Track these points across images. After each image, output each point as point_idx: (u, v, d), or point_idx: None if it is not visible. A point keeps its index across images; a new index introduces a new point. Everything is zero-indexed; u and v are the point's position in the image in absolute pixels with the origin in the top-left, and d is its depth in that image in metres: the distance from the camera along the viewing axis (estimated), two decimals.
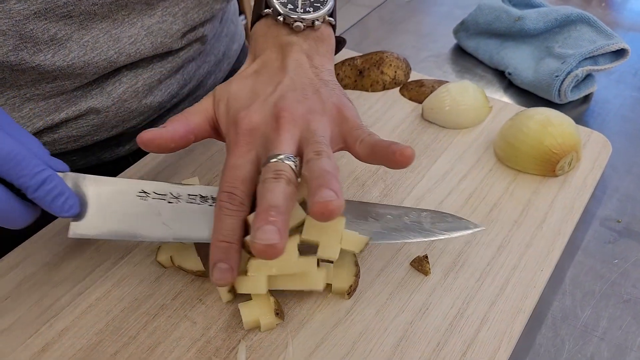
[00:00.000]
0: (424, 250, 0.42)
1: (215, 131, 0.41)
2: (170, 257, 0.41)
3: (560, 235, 0.42)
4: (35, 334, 0.38)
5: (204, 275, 0.40)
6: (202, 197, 0.39)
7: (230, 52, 0.65)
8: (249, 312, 0.36)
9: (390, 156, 0.33)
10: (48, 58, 0.43)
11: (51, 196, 0.35)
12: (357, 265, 0.39)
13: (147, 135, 0.37)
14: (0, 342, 0.38)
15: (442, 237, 0.40)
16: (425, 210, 0.41)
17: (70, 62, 0.44)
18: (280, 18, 0.42)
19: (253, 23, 0.46)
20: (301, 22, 0.42)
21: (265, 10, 0.43)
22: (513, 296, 0.38)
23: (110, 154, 0.57)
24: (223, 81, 0.63)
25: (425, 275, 0.40)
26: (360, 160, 0.36)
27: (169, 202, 0.38)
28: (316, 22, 0.42)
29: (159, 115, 0.57)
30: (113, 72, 0.49)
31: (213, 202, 0.39)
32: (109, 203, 0.38)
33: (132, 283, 0.41)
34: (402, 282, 0.40)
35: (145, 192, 0.38)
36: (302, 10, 0.42)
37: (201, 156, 0.52)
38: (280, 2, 0.42)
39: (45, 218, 0.46)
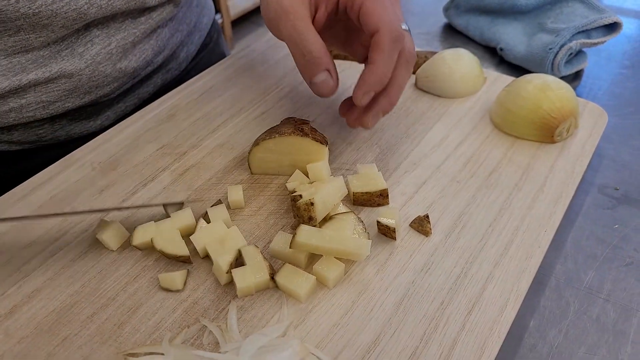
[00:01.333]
0: (424, 211, 0.40)
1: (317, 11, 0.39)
2: (151, 239, 0.36)
3: (562, 198, 0.41)
4: (1, 295, 0.34)
5: (188, 261, 0.36)
6: None
7: (201, 24, 0.63)
8: (243, 278, 0.34)
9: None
10: (12, 3, 0.39)
11: None
12: (361, 221, 0.37)
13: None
14: None
15: None
16: None
17: (37, 10, 0.41)
18: None
19: None
20: None
21: None
22: (517, 256, 0.37)
23: (80, 128, 0.53)
24: (196, 54, 0.63)
25: (425, 235, 0.38)
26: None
27: None
28: None
29: (132, 85, 0.54)
30: (84, 31, 0.46)
31: None
32: None
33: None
34: (401, 243, 0.38)
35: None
36: None
37: (183, 122, 0.49)
38: None
39: (17, 178, 0.43)
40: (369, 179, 0.40)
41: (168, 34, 0.55)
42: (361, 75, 0.37)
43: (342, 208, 0.38)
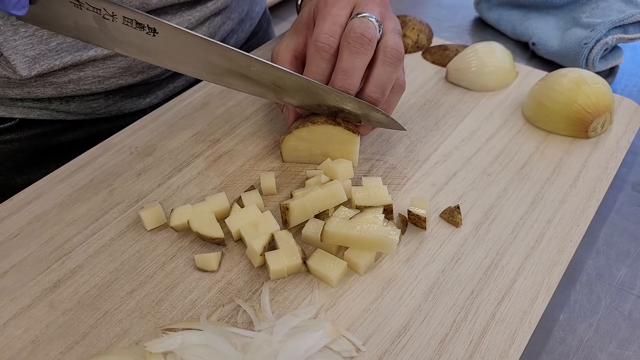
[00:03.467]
0: (454, 202, 0.40)
1: None
2: (188, 221, 0.37)
3: (595, 193, 0.41)
4: (46, 270, 0.36)
5: (222, 243, 0.37)
6: (137, 23, 0.36)
7: (253, 13, 0.64)
8: (277, 260, 0.35)
9: None
10: None
11: None
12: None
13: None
14: (10, 277, 0.36)
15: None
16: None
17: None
18: None
19: None
20: None
21: None
22: (549, 249, 0.37)
23: (130, 105, 0.56)
24: (245, 42, 0.65)
25: (456, 226, 0.38)
26: None
27: (105, 18, 0.36)
28: None
29: None
30: None
31: (150, 31, 0.37)
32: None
33: None
34: (432, 233, 0.38)
35: (78, 2, 0.35)
36: None
37: (217, 110, 0.50)
38: None
39: (57, 161, 0.45)
40: (373, 192, 0.38)
41: (220, 21, 0.57)
42: None
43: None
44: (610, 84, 0.58)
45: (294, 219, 0.37)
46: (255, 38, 0.67)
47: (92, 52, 0.47)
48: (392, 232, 0.34)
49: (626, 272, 0.38)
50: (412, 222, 0.38)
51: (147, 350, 0.29)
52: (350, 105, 0.40)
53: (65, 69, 0.48)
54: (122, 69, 0.50)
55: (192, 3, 0.52)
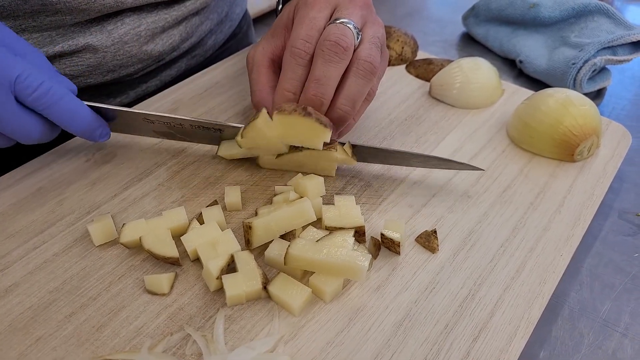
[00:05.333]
0: (431, 226, 0.38)
1: None
2: (140, 238, 0.34)
3: (580, 221, 0.38)
4: None
5: (177, 263, 0.34)
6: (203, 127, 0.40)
7: (232, 14, 0.62)
8: (234, 285, 0.31)
9: None
10: None
11: (50, 103, 0.33)
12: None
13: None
14: None
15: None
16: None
17: None
18: None
19: None
20: None
21: None
22: (530, 280, 0.34)
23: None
24: (223, 43, 0.62)
25: (432, 252, 0.36)
26: None
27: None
28: None
29: (156, 67, 0.53)
30: (118, 13, 0.46)
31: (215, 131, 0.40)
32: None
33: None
34: (406, 259, 0.35)
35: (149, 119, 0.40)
36: None
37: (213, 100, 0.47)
38: None
39: (6, 165, 0.41)
40: (345, 212, 0.36)
41: (198, 21, 0.54)
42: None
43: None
44: (597, 106, 0.56)
45: (257, 239, 0.34)
46: (234, 40, 0.64)
47: (59, 48, 0.44)
48: (362, 257, 0.31)
49: (611, 306, 0.36)
50: (386, 246, 0.35)
51: None
52: None
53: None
54: (91, 66, 0.47)
55: (170, 2, 0.49)
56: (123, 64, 0.49)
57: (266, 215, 0.34)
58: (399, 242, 0.34)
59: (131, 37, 0.47)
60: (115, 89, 0.52)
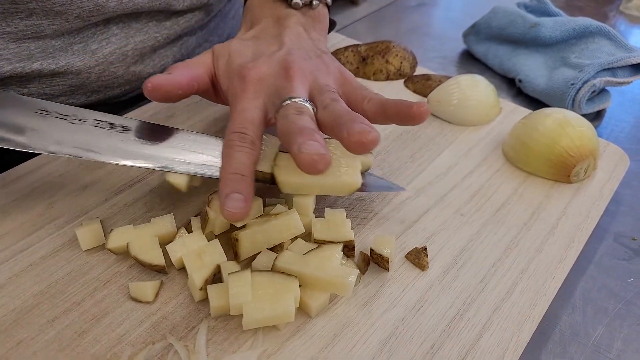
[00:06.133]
0: (422, 243, 0.37)
1: (213, 86, 0.39)
2: (127, 244, 0.34)
3: (574, 243, 0.38)
4: None
5: (163, 271, 0.34)
6: (110, 124, 0.36)
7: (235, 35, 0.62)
8: (219, 295, 0.31)
9: (405, 109, 0.32)
10: None
11: None
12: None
13: (156, 81, 0.34)
14: None
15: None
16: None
17: None
18: None
19: None
20: (304, 1, 0.42)
21: None
22: (520, 302, 0.34)
23: None
24: None
25: (422, 269, 0.35)
26: (367, 119, 0.32)
27: (71, 123, 0.35)
28: (314, 2, 0.42)
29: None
30: (102, 27, 0.44)
31: (123, 130, 0.36)
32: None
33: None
34: (395, 275, 0.35)
35: (46, 111, 0.35)
36: None
37: (181, 125, 0.47)
38: None
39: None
40: (335, 226, 0.35)
41: (195, 43, 0.53)
42: None
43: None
44: (596, 127, 0.56)
45: (245, 252, 0.33)
46: None
47: (37, 65, 0.42)
48: (349, 273, 0.31)
49: (603, 331, 0.35)
50: (375, 261, 0.35)
51: None
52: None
53: (5, 81, 0.43)
54: (72, 87, 0.45)
55: (162, 17, 0.47)
56: (109, 85, 0.47)
57: (253, 227, 0.34)
58: (388, 258, 0.34)
59: (117, 57, 0.45)
60: (105, 111, 0.50)
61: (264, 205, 0.36)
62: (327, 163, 0.28)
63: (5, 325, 0.31)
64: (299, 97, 0.33)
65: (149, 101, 0.52)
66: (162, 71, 0.48)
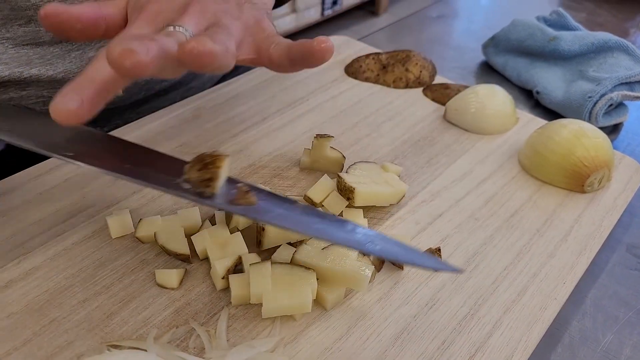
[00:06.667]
0: (436, 244, 0.38)
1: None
2: (155, 233, 0.36)
3: (586, 251, 0.39)
4: (0, 269, 0.34)
5: (188, 260, 0.35)
6: None
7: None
8: (240, 285, 0.32)
9: (307, 46, 0.29)
10: None
11: None
12: None
13: (51, 8, 0.29)
14: None
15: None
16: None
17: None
18: None
19: None
20: None
21: None
22: (531, 304, 0.34)
23: None
24: (222, 78, 0.59)
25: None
26: (273, 66, 0.31)
27: None
28: None
29: (146, 96, 0.52)
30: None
31: None
32: None
33: None
34: (408, 274, 0.36)
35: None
36: None
37: (206, 124, 0.49)
38: None
39: (35, 158, 0.43)
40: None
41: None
42: None
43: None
44: (613, 140, 0.56)
45: (268, 241, 0.35)
46: (236, 71, 0.60)
47: (35, 71, 0.43)
48: (365, 268, 0.32)
49: (612, 338, 0.36)
50: (390, 260, 0.36)
51: None
52: None
53: (4, 84, 0.44)
54: None
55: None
56: None
57: None
58: None
59: None
60: (102, 116, 0.45)
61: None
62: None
63: (39, 304, 0.32)
64: (181, 26, 0.29)
65: (150, 108, 0.52)
66: (159, 78, 0.48)
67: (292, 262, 0.33)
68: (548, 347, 0.35)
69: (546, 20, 0.67)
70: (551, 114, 0.59)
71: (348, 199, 0.38)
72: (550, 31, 0.62)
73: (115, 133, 0.47)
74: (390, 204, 0.41)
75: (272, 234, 0.35)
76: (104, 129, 0.50)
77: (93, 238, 0.37)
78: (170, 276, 0.33)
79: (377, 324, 0.33)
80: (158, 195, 0.41)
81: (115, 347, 0.30)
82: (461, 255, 0.38)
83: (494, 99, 0.51)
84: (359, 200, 0.38)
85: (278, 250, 0.35)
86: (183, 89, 0.55)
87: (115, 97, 0.45)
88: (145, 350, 0.29)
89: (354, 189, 0.38)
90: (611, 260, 0.42)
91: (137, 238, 0.36)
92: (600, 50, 0.59)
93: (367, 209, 0.41)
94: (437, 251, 0.37)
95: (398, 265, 0.36)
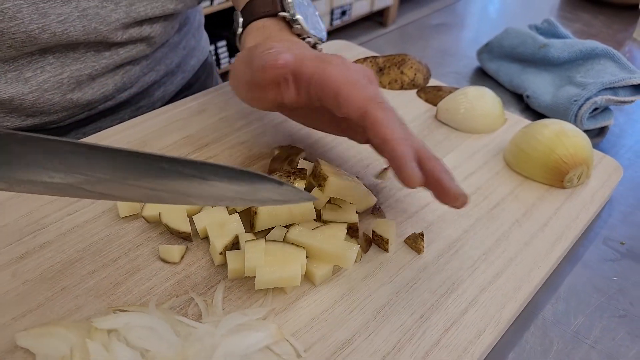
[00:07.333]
0: (420, 230, 0.41)
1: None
2: (159, 213, 0.39)
3: (561, 240, 0.41)
4: (17, 241, 0.38)
5: (188, 238, 0.38)
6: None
7: (186, 66, 0.61)
8: (236, 260, 0.35)
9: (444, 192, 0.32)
10: None
11: None
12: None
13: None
14: None
15: None
16: None
17: None
18: (298, 26, 0.41)
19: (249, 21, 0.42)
20: (316, 41, 0.43)
21: (282, 14, 0.41)
22: (506, 286, 0.37)
23: None
24: (175, 94, 0.60)
25: (418, 252, 0.39)
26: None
27: None
28: (318, 46, 0.43)
29: (89, 116, 0.51)
30: (38, 56, 0.43)
31: None
32: None
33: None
34: (393, 257, 0.39)
35: None
36: (312, 31, 0.42)
37: (211, 118, 0.52)
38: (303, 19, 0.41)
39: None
40: (342, 210, 0.39)
41: (139, 71, 0.52)
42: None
43: None
44: (598, 143, 0.59)
45: (260, 224, 0.38)
46: (189, 90, 0.63)
47: None
48: (350, 247, 0.35)
49: (583, 320, 0.38)
50: (376, 243, 0.39)
51: (92, 325, 0.30)
52: None
53: None
54: (5, 109, 0.44)
55: (100, 47, 0.46)
56: (44, 111, 0.46)
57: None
58: (388, 240, 0.38)
59: (52, 84, 0.45)
60: (43, 134, 0.48)
61: None
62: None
63: (52, 274, 0.36)
64: None
65: (97, 127, 0.52)
66: (101, 99, 0.49)
67: (285, 241, 0.36)
68: (522, 327, 0.38)
69: (537, 29, 0.70)
70: (540, 116, 0.62)
71: (319, 185, 0.39)
72: (541, 39, 0.65)
73: (127, 125, 0.50)
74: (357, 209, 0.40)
75: (264, 217, 0.38)
76: None
77: (103, 217, 0.40)
78: (172, 251, 0.36)
79: (361, 299, 0.35)
80: None
81: (121, 311, 0.33)
82: (443, 241, 0.40)
83: (482, 100, 0.54)
84: (328, 190, 0.38)
85: (272, 231, 0.38)
86: (132, 108, 0.56)
87: (50, 118, 0.45)
88: (147, 314, 0.32)
89: (327, 177, 0.38)
90: (588, 252, 0.44)
91: (143, 217, 0.39)
92: (587, 57, 0.62)
93: None
94: (421, 236, 0.39)
95: (383, 248, 0.39)
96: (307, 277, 0.36)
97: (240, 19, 0.43)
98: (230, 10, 2.25)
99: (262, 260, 0.34)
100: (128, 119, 0.54)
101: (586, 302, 0.40)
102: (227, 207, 0.39)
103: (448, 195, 0.32)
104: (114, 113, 0.53)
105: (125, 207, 0.40)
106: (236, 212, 0.39)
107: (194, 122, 0.52)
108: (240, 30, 0.42)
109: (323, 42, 0.44)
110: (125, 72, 0.50)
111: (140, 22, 0.47)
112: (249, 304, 0.34)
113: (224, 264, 0.37)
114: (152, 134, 0.50)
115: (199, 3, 0.55)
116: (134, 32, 0.47)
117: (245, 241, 0.35)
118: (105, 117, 0.53)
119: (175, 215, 0.38)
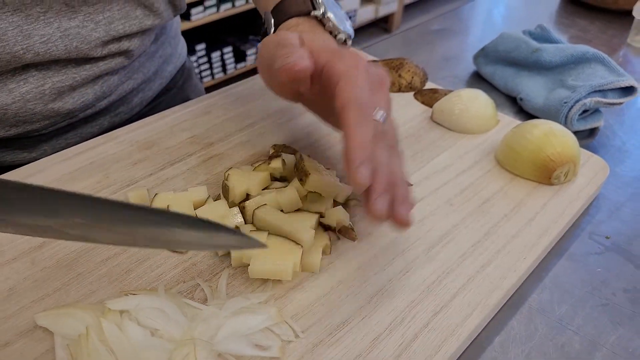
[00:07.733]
0: (414, 225, 0.43)
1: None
2: (167, 206, 0.41)
3: (547, 233, 0.43)
4: None
5: None
6: None
7: (163, 72, 0.62)
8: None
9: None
10: None
11: None
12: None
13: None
14: (2, 234, 0.40)
15: None
16: None
17: None
18: (330, 23, 0.43)
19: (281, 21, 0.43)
20: (346, 38, 0.44)
21: (314, 13, 0.42)
22: (493, 275, 0.39)
23: (12, 157, 0.51)
24: (152, 100, 0.62)
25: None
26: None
27: None
28: (348, 41, 0.45)
29: (70, 123, 0.53)
30: (20, 70, 0.45)
31: None
32: None
33: None
34: (386, 247, 0.41)
35: None
36: (341, 27, 0.43)
37: (216, 119, 0.55)
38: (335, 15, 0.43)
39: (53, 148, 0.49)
40: (318, 202, 0.41)
41: (118, 80, 0.53)
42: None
43: None
44: (589, 143, 0.61)
45: (249, 216, 0.41)
46: (167, 95, 0.65)
47: None
48: (305, 228, 0.38)
49: (567, 309, 0.40)
50: (342, 234, 0.41)
51: (106, 307, 0.33)
52: None
53: None
54: None
55: (79, 61, 0.48)
56: (27, 120, 0.47)
57: (257, 197, 0.41)
58: (352, 227, 0.41)
59: (34, 95, 0.46)
60: (28, 143, 0.50)
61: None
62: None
63: (68, 261, 0.38)
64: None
65: (78, 134, 0.54)
66: (82, 108, 0.51)
67: (253, 217, 0.39)
68: (508, 314, 0.40)
69: (531, 34, 0.72)
70: (533, 118, 0.64)
71: (300, 179, 0.41)
72: (534, 44, 0.68)
73: (137, 125, 0.53)
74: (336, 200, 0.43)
75: (251, 210, 0.40)
76: (32, 154, 0.52)
77: None
78: None
79: (356, 286, 0.38)
80: (172, 176, 0.47)
81: (132, 294, 0.35)
82: (435, 234, 0.43)
83: (476, 102, 0.56)
84: (308, 185, 0.40)
85: (247, 201, 0.41)
86: (111, 114, 0.57)
87: (33, 127, 0.47)
88: (157, 297, 0.34)
89: (309, 174, 0.40)
90: (574, 245, 0.46)
91: None
92: (578, 61, 0.64)
93: (352, 196, 0.46)
94: (350, 227, 0.42)
95: (350, 237, 0.41)
96: (304, 268, 0.38)
97: (272, 20, 0.44)
98: (234, 17, 2.29)
99: (258, 250, 0.37)
100: (107, 125, 0.57)
101: (570, 292, 0.42)
102: (227, 200, 0.42)
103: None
104: (94, 120, 0.55)
105: (136, 200, 0.42)
106: (235, 205, 0.42)
107: (200, 122, 0.54)
108: (272, 29, 0.44)
109: (352, 39, 0.45)
110: (105, 81, 0.52)
111: (119, 39, 0.49)
112: (251, 289, 0.37)
113: (227, 254, 0.39)
114: (160, 133, 0.52)
115: (175, 16, 0.57)
116: (113, 47, 0.49)
117: (250, 231, 0.38)
118: (86, 124, 0.54)
119: (182, 207, 0.41)
